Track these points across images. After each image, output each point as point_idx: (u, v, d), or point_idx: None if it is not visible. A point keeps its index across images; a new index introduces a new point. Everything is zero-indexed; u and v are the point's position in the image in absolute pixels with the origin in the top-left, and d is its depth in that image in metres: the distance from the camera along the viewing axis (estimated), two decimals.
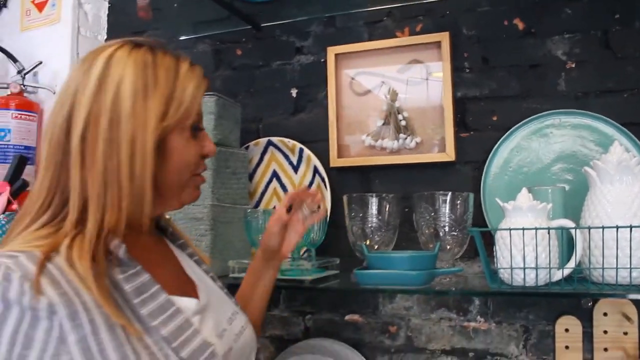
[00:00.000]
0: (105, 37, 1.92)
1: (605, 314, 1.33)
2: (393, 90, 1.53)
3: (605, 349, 1.33)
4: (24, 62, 1.76)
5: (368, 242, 1.37)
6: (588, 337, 1.35)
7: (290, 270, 1.31)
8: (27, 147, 1.71)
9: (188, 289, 0.88)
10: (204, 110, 0.94)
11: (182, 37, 1.80)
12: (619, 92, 1.36)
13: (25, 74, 1.75)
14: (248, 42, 1.71)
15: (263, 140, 1.63)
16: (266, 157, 1.63)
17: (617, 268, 1.06)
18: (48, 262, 0.68)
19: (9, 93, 1.72)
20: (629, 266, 1.05)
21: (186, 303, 0.81)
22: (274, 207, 1.57)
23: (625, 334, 1.32)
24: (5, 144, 1.68)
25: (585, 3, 1.40)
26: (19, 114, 1.70)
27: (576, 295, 1.09)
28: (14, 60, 1.75)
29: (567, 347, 1.36)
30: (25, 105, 1.72)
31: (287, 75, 1.66)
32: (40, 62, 1.76)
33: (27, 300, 0.64)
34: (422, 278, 1.17)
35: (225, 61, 1.76)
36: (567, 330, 1.36)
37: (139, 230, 0.79)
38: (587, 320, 1.35)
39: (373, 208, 1.37)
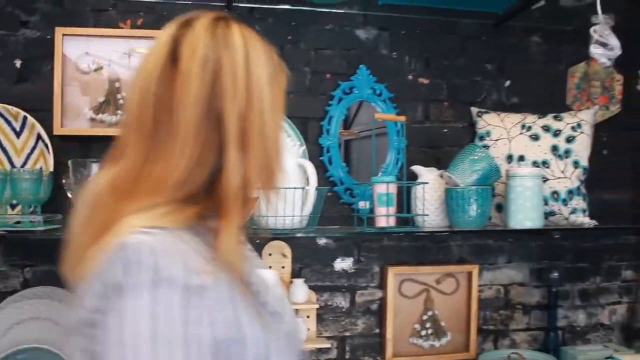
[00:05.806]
0: None
1: (270, 254, 1.85)
2: (115, 72, 1.79)
3: None
4: None
5: None
6: None
7: (21, 223, 1.49)
8: None
9: None
10: None
11: None
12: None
13: None
14: None
15: None
16: None
17: (284, 216, 1.56)
18: (200, 237, 0.71)
19: None
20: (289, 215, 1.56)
21: (268, 275, 0.86)
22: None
23: (284, 267, 1.86)
24: None
25: None
26: None
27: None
28: None
29: None
30: None
31: (11, 46, 1.76)
32: None
33: (183, 278, 0.64)
34: None
35: None
36: None
37: None
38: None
39: (95, 172, 1.62)
